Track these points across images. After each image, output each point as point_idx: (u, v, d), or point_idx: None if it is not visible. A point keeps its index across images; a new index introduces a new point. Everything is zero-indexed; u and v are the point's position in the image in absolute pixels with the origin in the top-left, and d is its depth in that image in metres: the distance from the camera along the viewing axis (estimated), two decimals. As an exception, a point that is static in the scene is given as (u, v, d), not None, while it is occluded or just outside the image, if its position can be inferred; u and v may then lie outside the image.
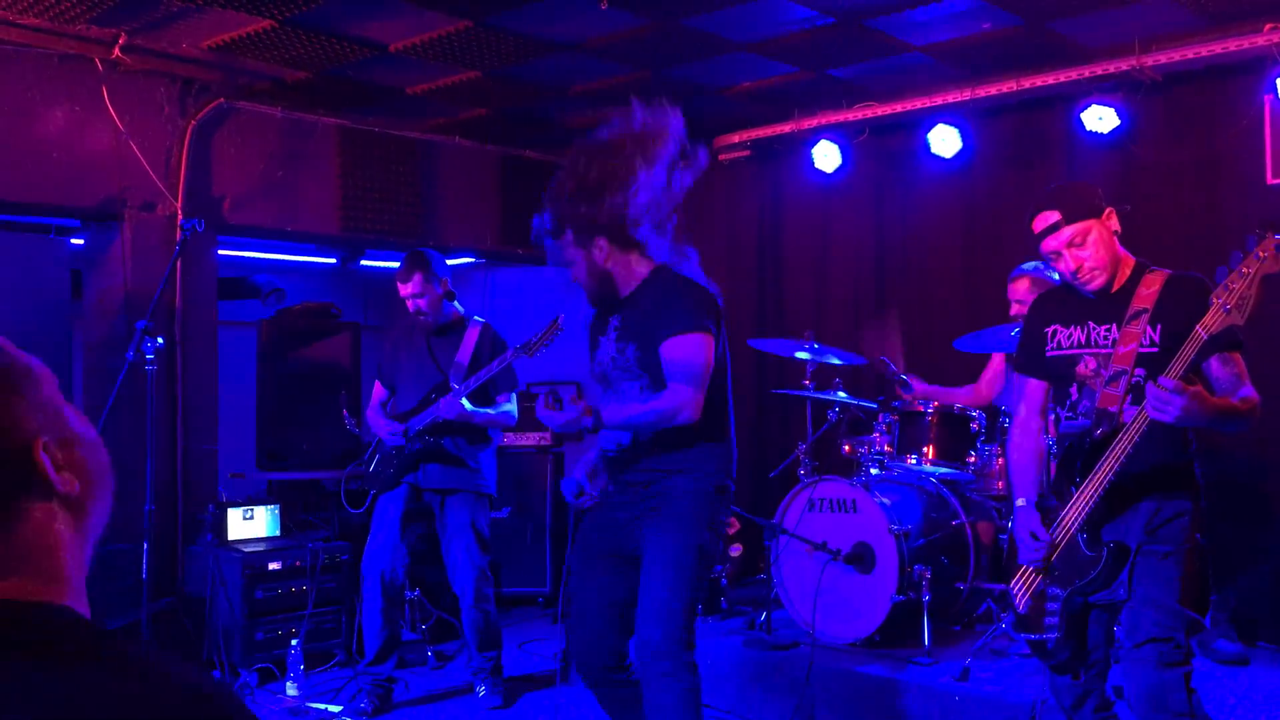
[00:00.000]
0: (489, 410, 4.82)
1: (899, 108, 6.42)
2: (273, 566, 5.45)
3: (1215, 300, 2.73)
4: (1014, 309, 4.97)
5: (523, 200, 7.42)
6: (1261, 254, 2.67)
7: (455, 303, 4.98)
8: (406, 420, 4.84)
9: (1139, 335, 2.98)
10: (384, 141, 6.72)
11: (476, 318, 5.04)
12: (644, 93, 6.28)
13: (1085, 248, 3.05)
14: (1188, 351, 2.79)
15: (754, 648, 4.94)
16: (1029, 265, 5.00)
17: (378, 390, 5.13)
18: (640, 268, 3.45)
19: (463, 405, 4.67)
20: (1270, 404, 3.89)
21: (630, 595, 3.35)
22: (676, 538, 3.29)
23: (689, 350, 3.33)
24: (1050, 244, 3.08)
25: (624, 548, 3.42)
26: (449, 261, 5.12)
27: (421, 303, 4.85)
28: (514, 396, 4.92)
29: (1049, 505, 3.13)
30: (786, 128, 6.86)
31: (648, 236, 3.40)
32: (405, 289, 4.86)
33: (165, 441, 5.61)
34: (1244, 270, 2.68)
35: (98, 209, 5.56)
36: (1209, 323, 2.74)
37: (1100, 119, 5.64)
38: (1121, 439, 2.89)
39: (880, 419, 5.24)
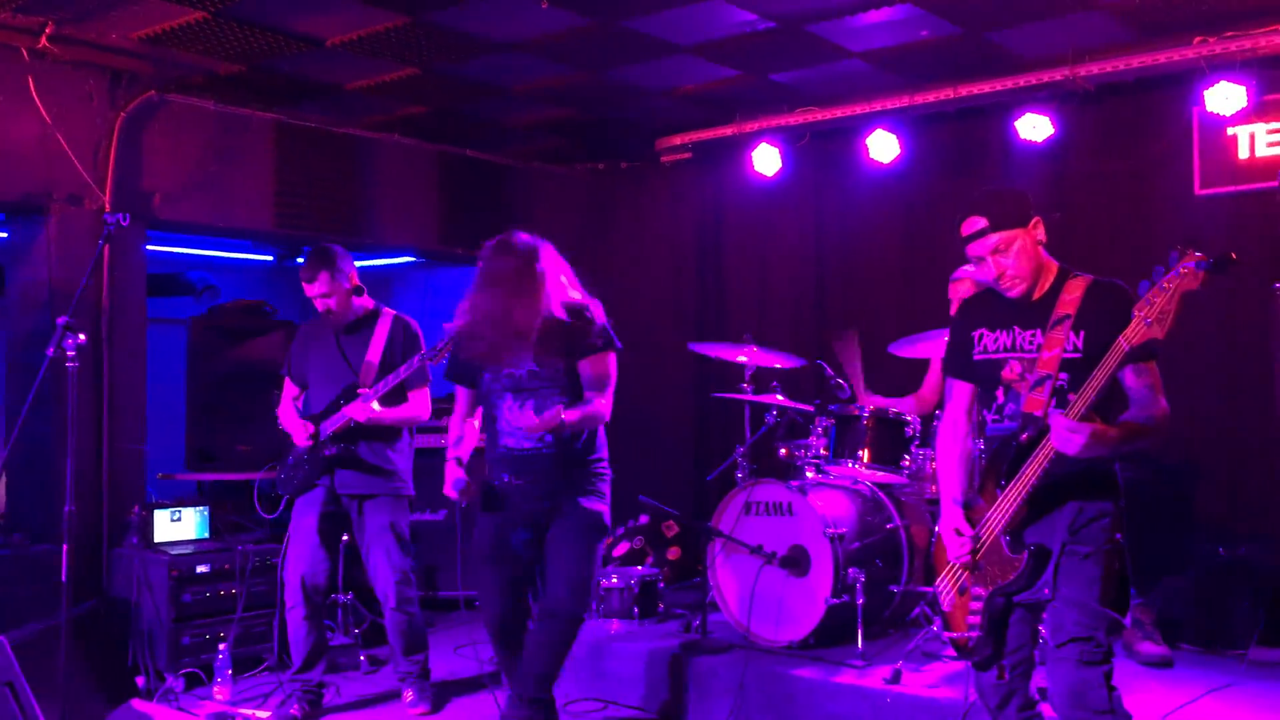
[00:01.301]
0: (400, 409, 4.76)
1: (839, 113, 6.48)
2: (201, 569, 5.34)
3: (1137, 313, 2.79)
4: (954, 308, 5.01)
5: (462, 199, 7.37)
6: (1182, 270, 2.73)
7: (365, 296, 4.88)
8: (318, 423, 4.76)
9: (1062, 341, 3.04)
10: (321, 137, 6.63)
11: (386, 309, 4.95)
12: (585, 93, 6.31)
13: (1008, 255, 3.11)
14: (1110, 361, 2.86)
15: (690, 651, 4.93)
16: (969, 269, 5.04)
17: (288, 387, 5.03)
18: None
19: (373, 409, 4.61)
20: (1194, 415, 3.99)
21: None
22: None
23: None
24: (975, 249, 3.16)
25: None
26: (388, 260, 5.06)
27: (330, 302, 4.74)
28: (427, 391, 4.86)
29: (975, 505, 3.18)
30: (728, 131, 6.88)
31: None
32: (311, 289, 4.74)
33: (89, 441, 5.47)
34: (1165, 285, 2.75)
35: (22, 201, 5.42)
36: (1130, 335, 2.81)
37: (1034, 128, 5.72)
38: (1046, 444, 2.94)
39: (817, 422, 5.26)
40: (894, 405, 5.38)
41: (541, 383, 4.07)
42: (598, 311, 4.19)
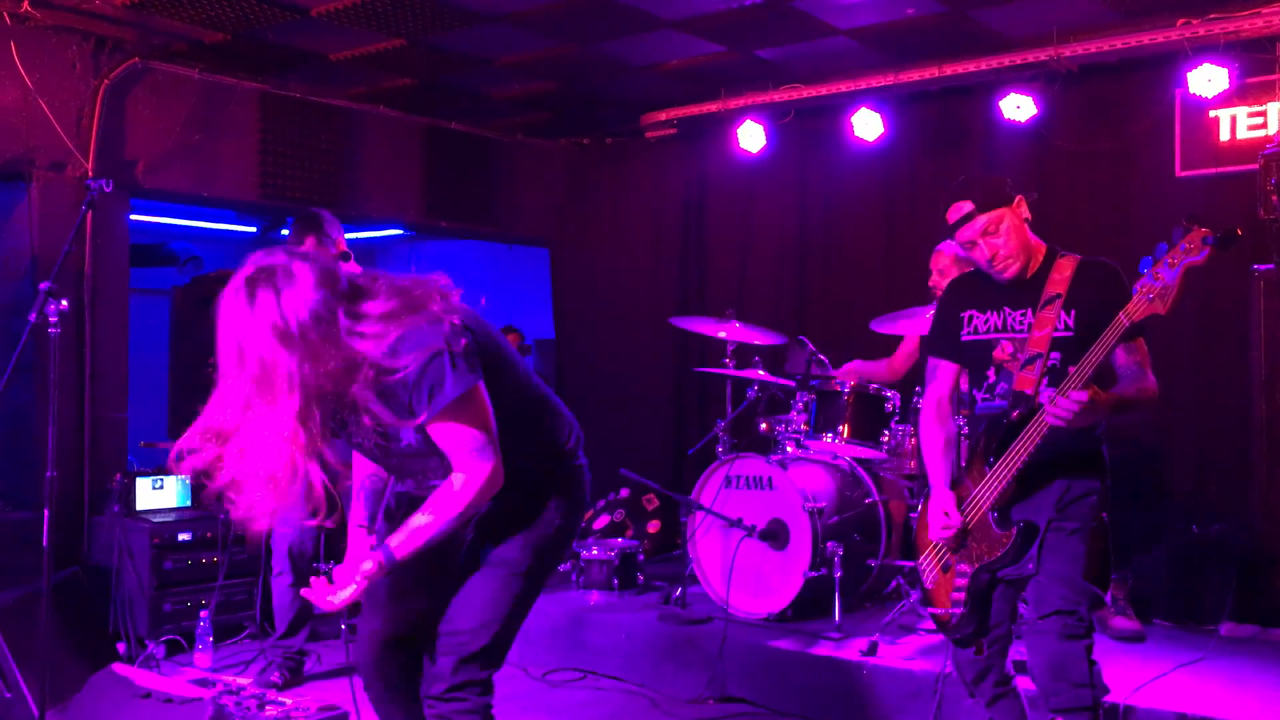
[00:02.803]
0: None
1: (823, 90, 6.48)
2: (182, 537, 5.35)
3: (1139, 289, 2.80)
4: (933, 279, 5.04)
5: (447, 172, 7.36)
6: (1187, 245, 2.74)
7: (352, 263, 4.88)
8: None
9: (1054, 320, 3.06)
10: (306, 108, 6.60)
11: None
12: (571, 67, 6.30)
13: (999, 235, 3.13)
14: (1109, 337, 2.87)
15: (668, 622, 4.98)
16: (951, 242, 5.07)
17: None
18: None
19: None
20: (1171, 394, 4.03)
21: None
22: None
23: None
24: (965, 233, 3.17)
25: None
26: (373, 233, 5.05)
27: None
28: None
29: (962, 483, 3.20)
30: (713, 107, 6.89)
31: None
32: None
33: (71, 407, 5.46)
34: (1169, 261, 2.76)
35: (4, 168, 5.38)
36: (1132, 310, 2.82)
37: (1018, 107, 5.75)
38: (1036, 422, 2.96)
39: (798, 398, 5.30)
40: (867, 368, 5.44)
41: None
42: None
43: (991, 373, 3.22)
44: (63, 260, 4.16)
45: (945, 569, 3.21)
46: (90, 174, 5.54)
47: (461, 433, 2.55)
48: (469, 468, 2.57)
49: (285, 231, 8.47)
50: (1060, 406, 2.87)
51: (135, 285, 6.09)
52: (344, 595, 2.60)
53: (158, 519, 5.37)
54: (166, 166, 5.99)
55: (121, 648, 5.14)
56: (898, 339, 5.60)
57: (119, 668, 4.44)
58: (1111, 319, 2.87)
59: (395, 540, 2.62)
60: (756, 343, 5.69)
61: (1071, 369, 2.94)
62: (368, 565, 2.61)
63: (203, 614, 5.04)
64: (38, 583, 3.94)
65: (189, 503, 5.63)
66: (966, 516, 3.15)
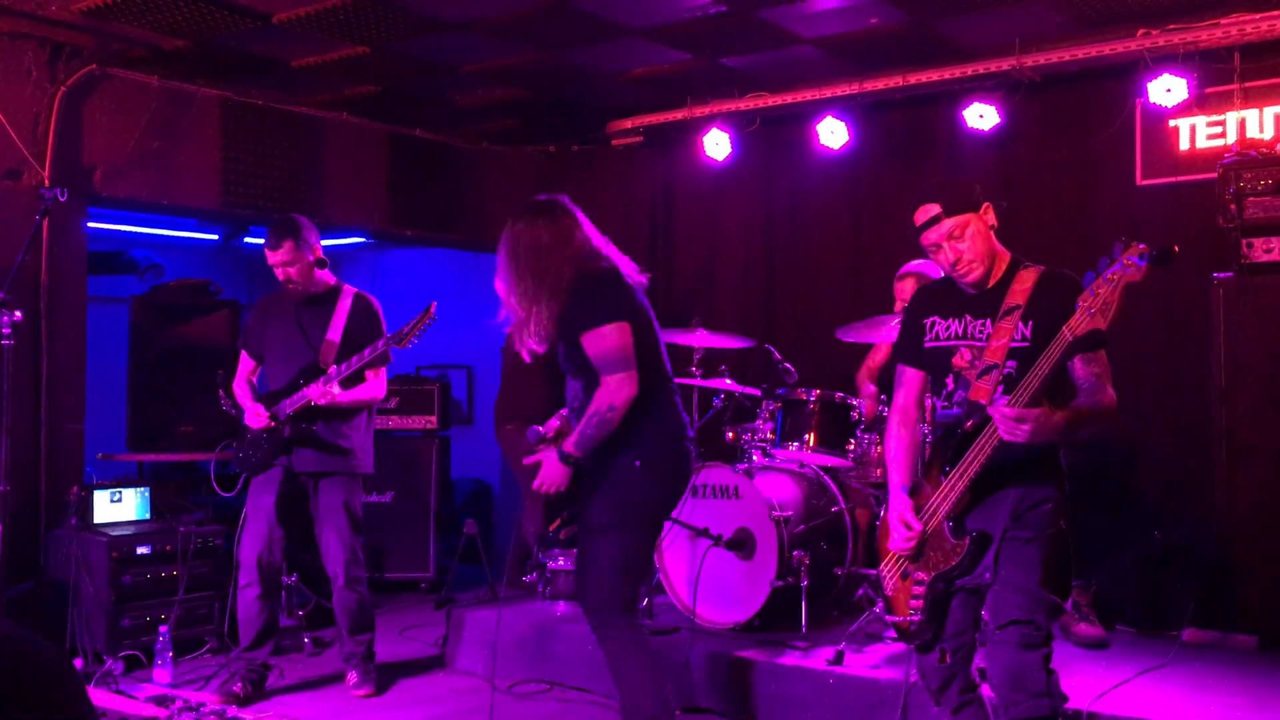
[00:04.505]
0: (358, 390, 4.73)
1: (789, 99, 6.50)
2: (141, 551, 5.27)
3: (1081, 304, 2.81)
4: (898, 306, 5.08)
5: (412, 180, 7.31)
6: (1126, 263, 2.74)
7: (327, 271, 4.85)
8: (277, 401, 4.72)
9: (1011, 330, 3.07)
10: (269, 115, 6.54)
11: (348, 286, 4.92)
12: (537, 74, 6.27)
13: (963, 240, 3.14)
14: (1054, 351, 2.87)
15: (635, 633, 4.95)
16: (915, 265, 5.11)
17: (244, 361, 4.98)
18: None
19: (334, 392, 4.58)
20: (1135, 401, 4.06)
21: None
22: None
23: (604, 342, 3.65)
24: (931, 236, 3.17)
25: None
26: (337, 241, 5.00)
27: (292, 271, 4.70)
28: (384, 372, 4.84)
29: (921, 491, 3.21)
30: (679, 115, 6.88)
31: None
32: (274, 257, 4.69)
33: (26, 419, 5.37)
34: (1109, 277, 2.76)
35: (-42, 176, 5.30)
36: (1074, 325, 2.82)
37: (981, 116, 5.78)
38: (989, 432, 2.97)
39: (764, 406, 5.30)
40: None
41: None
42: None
43: (951, 380, 3.22)
44: (16, 270, 4.09)
45: (904, 577, 3.22)
46: (46, 182, 5.45)
47: None
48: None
49: (249, 239, 8.40)
50: (1004, 422, 2.87)
51: (94, 293, 6.01)
52: None
53: (116, 532, 5.29)
54: (125, 174, 5.91)
55: (79, 664, 5.05)
56: (865, 347, 5.60)
57: (75, 685, 4.36)
58: None
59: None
60: (723, 347, 5.68)
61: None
62: None
63: (162, 629, 4.96)
64: (-9, 598, 3.88)
65: (148, 515, 5.55)
66: (924, 525, 3.15)
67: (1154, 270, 2.73)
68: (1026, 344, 3.04)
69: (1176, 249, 2.75)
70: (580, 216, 3.86)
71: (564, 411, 3.85)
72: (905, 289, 5.07)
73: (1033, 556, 3.05)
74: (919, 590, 3.16)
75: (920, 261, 5.07)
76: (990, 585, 3.08)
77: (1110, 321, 2.76)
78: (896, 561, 3.24)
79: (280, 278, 4.74)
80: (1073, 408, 2.99)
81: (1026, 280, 3.12)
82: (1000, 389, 3.03)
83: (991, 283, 3.18)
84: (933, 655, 3.22)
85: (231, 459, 4.90)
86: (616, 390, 3.62)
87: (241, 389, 4.90)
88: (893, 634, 4.47)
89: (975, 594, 3.17)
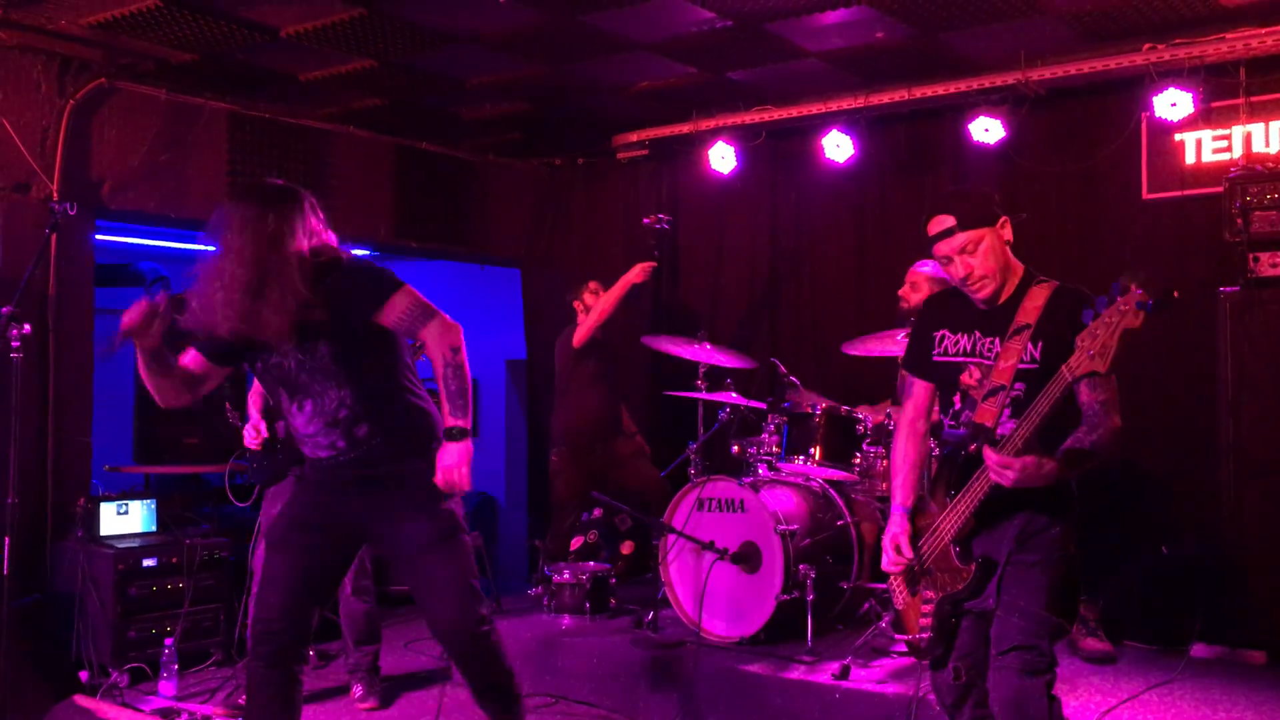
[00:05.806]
0: None
1: (795, 112, 6.51)
2: (147, 563, 5.27)
3: (1080, 343, 2.71)
4: (904, 289, 5.06)
5: (418, 193, 7.33)
6: (1123, 307, 2.63)
7: None
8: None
9: (1020, 351, 2.98)
10: (275, 128, 6.56)
11: None
12: (543, 88, 6.29)
13: (976, 255, 3.05)
14: (1053, 390, 2.79)
15: (641, 646, 4.95)
16: (927, 269, 5.08)
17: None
18: None
19: None
20: (1141, 415, 4.05)
21: None
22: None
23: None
24: (943, 248, 3.08)
25: None
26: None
27: None
28: None
29: (927, 509, 3.18)
30: (685, 128, 6.90)
31: None
32: None
33: (33, 432, 5.38)
34: (1107, 320, 2.66)
35: (-34, 189, 5.32)
36: (1074, 365, 2.73)
37: (986, 130, 5.79)
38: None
39: (769, 420, 5.30)
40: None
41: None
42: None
43: (958, 399, 3.15)
44: (25, 283, 4.11)
45: (914, 593, 3.20)
46: (55, 196, 5.47)
47: None
48: None
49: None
50: (993, 467, 2.83)
51: (101, 305, 6.02)
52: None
53: (122, 544, 5.29)
54: (133, 187, 5.93)
55: (84, 676, 5.05)
56: (868, 361, 5.60)
57: (80, 699, 4.37)
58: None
59: None
60: (728, 365, 5.69)
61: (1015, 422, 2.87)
62: None
63: (168, 641, 4.97)
64: (-2, 611, 3.89)
65: (154, 528, 5.55)
66: (929, 547, 3.11)
67: (1152, 318, 2.61)
68: (1035, 365, 2.96)
69: (1176, 294, 2.62)
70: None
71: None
72: (917, 276, 5.00)
73: (1038, 581, 2.97)
74: (927, 609, 3.12)
75: (932, 266, 5.04)
76: (994, 611, 3.03)
77: (1109, 365, 2.66)
78: (897, 580, 3.23)
79: None
80: (1065, 452, 2.89)
81: (1038, 297, 3.02)
82: (1007, 412, 2.96)
83: (1003, 299, 3.09)
84: (947, 672, 3.17)
85: (245, 470, 4.91)
86: (444, 332, 3.33)
87: (254, 402, 4.91)
88: (899, 649, 4.48)
89: (983, 618, 3.09)
